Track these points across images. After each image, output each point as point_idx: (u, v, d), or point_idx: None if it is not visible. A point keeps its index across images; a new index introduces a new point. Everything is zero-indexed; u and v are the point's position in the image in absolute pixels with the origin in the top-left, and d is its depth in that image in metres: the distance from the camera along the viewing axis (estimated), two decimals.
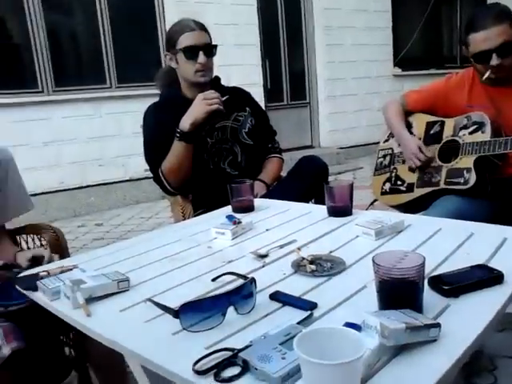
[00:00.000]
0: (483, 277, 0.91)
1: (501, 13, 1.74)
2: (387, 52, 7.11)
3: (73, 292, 0.93)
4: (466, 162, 1.81)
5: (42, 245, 1.69)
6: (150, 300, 0.90)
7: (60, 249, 1.61)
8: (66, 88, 4.84)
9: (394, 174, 2.07)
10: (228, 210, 1.60)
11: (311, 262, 1.06)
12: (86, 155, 4.88)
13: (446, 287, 0.88)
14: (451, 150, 1.89)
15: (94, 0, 4.93)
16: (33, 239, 1.74)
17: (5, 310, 1.30)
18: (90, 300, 0.95)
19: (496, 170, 1.82)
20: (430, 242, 1.17)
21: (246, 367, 0.69)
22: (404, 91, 2.21)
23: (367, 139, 6.58)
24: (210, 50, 1.95)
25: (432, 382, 0.64)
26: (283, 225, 1.42)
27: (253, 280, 0.90)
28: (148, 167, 2.01)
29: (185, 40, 1.91)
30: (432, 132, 1.96)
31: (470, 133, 1.83)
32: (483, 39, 1.72)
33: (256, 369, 0.67)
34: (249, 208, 1.60)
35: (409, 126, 2.04)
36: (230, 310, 0.85)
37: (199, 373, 0.69)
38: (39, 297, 1.02)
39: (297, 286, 0.97)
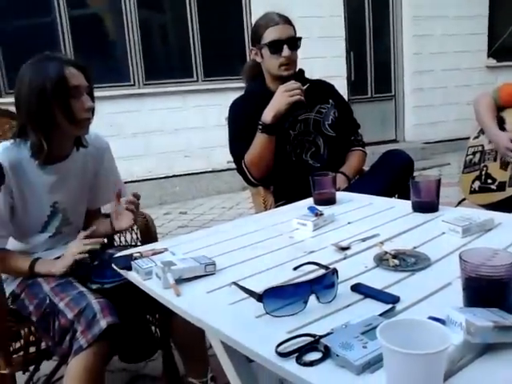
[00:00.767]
0: None
1: None
2: (481, 42, 6.72)
3: (164, 273, 1.00)
4: None
5: (132, 229, 1.81)
6: (235, 284, 0.94)
7: (150, 233, 1.72)
8: (156, 81, 5.07)
9: (484, 172, 1.98)
10: (310, 201, 1.61)
11: (394, 257, 1.06)
12: (172, 146, 5.10)
13: None
14: None
15: None
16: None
17: (101, 287, 1.42)
18: (179, 281, 1.01)
19: None
20: None
21: (327, 353, 0.71)
22: (498, 84, 2.10)
23: (455, 134, 6.28)
24: (294, 42, 1.96)
25: None
26: (366, 218, 1.42)
27: (335, 270, 0.91)
28: (231, 159, 2.07)
29: (269, 34, 1.94)
30: None
31: None
32: None
33: (337, 355, 0.69)
34: (330, 201, 1.60)
35: (501, 122, 1.94)
36: (312, 298, 0.87)
37: (282, 355, 0.71)
38: (133, 276, 1.10)
39: (379, 279, 0.97)
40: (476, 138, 2.06)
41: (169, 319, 1.57)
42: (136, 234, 1.75)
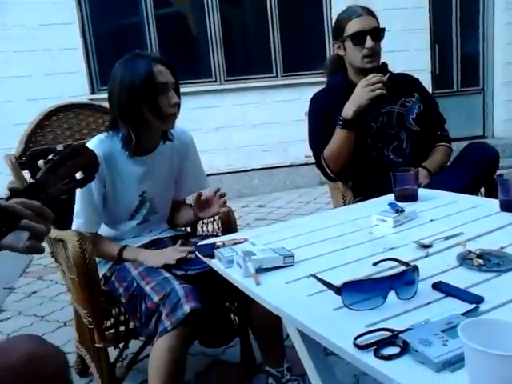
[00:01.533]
0: None
1: None
2: None
3: (244, 262, 1.04)
4: None
5: (214, 220, 1.88)
6: (313, 276, 0.96)
7: (230, 224, 1.78)
8: (236, 77, 5.17)
9: None
10: (390, 197, 1.59)
11: (479, 257, 1.02)
12: (251, 140, 5.19)
13: None
14: None
15: None
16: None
17: (185, 274, 1.49)
18: (259, 270, 1.04)
19: None
20: None
21: (405, 348, 0.71)
22: None
23: None
24: (377, 34, 1.92)
25: None
26: (449, 216, 1.38)
27: (415, 268, 0.90)
28: (309, 153, 2.08)
29: (352, 26, 1.92)
30: None
31: None
32: None
33: (416, 351, 0.69)
34: (412, 197, 1.56)
35: None
36: (391, 294, 0.86)
37: (359, 347, 0.73)
38: (216, 264, 1.16)
39: (462, 278, 0.95)
40: None
41: (247, 308, 1.62)
42: (217, 224, 1.82)
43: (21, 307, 2.81)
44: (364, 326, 0.79)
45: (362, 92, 1.82)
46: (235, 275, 1.07)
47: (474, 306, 0.82)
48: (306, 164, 5.09)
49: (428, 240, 1.17)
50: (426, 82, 5.33)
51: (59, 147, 1.03)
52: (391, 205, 1.40)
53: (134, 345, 1.79)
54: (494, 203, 1.40)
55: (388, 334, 0.75)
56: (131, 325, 1.58)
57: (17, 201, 0.89)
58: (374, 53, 1.93)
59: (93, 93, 4.79)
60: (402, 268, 0.96)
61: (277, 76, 5.30)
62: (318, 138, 2.01)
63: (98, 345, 1.56)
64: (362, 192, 1.96)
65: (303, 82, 5.02)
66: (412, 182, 1.57)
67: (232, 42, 5.34)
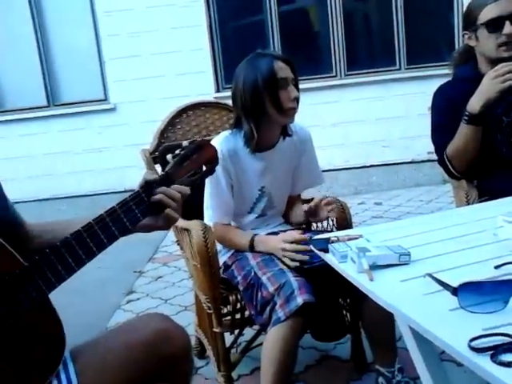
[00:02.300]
0: None
1: None
2: None
3: (358, 258, 1.04)
4: None
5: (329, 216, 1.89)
6: (429, 275, 0.93)
7: (345, 220, 1.78)
8: (357, 72, 5.09)
9: None
10: None
11: None
12: (371, 136, 5.07)
13: None
14: None
15: None
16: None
17: (299, 266, 1.53)
18: (373, 267, 1.04)
19: None
20: None
21: None
22: None
23: None
24: None
25: None
26: None
27: None
28: (432, 149, 1.99)
29: (487, 12, 1.76)
30: None
31: None
32: None
33: None
34: None
35: None
36: None
37: (475, 350, 0.70)
38: (329, 258, 1.17)
39: None
40: None
41: (360, 305, 1.62)
42: (332, 220, 1.83)
43: (148, 290, 3.08)
44: (482, 329, 0.76)
45: (491, 84, 1.68)
46: (349, 270, 1.08)
47: None
48: (429, 161, 4.84)
49: None
50: None
51: (185, 143, 1.12)
52: None
53: (248, 333, 1.87)
54: None
55: (508, 339, 0.71)
56: (246, 313, 1.66)
57: (162, 190, 1.01)
58: None
59: (218, 91, 5.02)
60: None
61: (400, 69, 5.11)
62: (441, 133, 1.92)
63: (215, 329, 1.66)
64: (489, 191, 1.83)
65: (429, 75, 4.78)
66: None
67: (354, 35, 5.25)
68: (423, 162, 4.99)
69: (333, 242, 1.20)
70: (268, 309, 1.47)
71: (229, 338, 1.74)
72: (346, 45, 5.07)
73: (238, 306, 1.66)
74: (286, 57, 1.67)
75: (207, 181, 1.66)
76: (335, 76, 5.11)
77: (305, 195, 2.02)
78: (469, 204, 1.83)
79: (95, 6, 4.95)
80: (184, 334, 1.07)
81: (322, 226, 1.93)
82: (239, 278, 1.62)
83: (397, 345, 1.66)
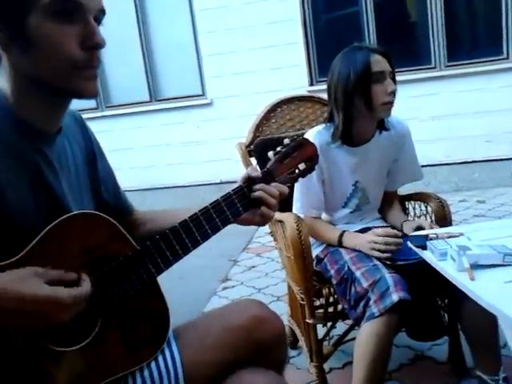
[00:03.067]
0: None
1: None
2: None
3: (459, 256, 1.01)
4: None
5: (427, 212, 1.83)
6: None
7: (444, 217, 1.71)
8: (458, 63, 4.82)
9: None
10: None
11: None
12: (473, 130, 4.79)
13: None
14: None
15: None
16: (419, 206, 1.91)
17: (394, 263, 1.51)
18: (474, 266, 1.01)
19: None
20: None
21: None
22: None
23: None
24: None
25: None
26: None
27: None
28: None
29: None
30: None
31: None
32: None
33: None
34: None
35: None
36: None
37: None
38: (427, 255, 1.15)
39: None
40: None
41: (459, 306, 1.55)
42: (431, 217, 1.77)
43: (242, 278, 3.17)
44: None
45: None
46: (448, 268, 1.05)
47: None
48: None
49: None
50: None
51: (286, 140, 1.14)
52: None
53: (341, 326, 1.87)
54: None
55: None
56: (339, 307, 1.66)
57: (262, 187, 1.05)
58: None
59: (311, 84, 5.01)
60: None
61: (507, 58, 4.77)
62: None
63: (308, 320, 1.68)
64: None
65: None
66: None
67: (455, 23, 4.97)
68: None
69: (431, 239, 1.17)
70: (362, 304, 1.47)
71: (321, 331, 1.75)
72: (447, 34, 4.81)
73: (331, 299, 1.66)
74: (383, 49, 1.64)
75: None
76: (434, 67, 4.87)
77: (401, 191, 1.97)
78: None
79: (193, 4, 5.14)
80: (280, 322, 1.10)
81: None
82: (332, 272, 1.62)
83: (502, 352, 1.57)
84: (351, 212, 1.81)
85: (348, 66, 1.60)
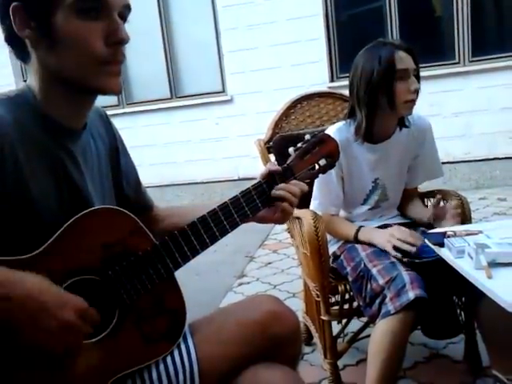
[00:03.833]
0: None
1: None
2: None
3: (477, 254, 1.00)
4: None
5: None
6: None
7: (464, 214, 1.69)
8: (483, 58, 4.73)
9: None
10: None
11: None
12: (495, 127, 4.70)
13: None
14: None
15: None
16: (438, 202, 1.88)
17: (411, 261, 1.49)
18: (492, 264, 1.00)
19: None
20: None
21: None
22: None
23: None
24: None
25: None
26: None
27: None
28: None
29: None
30: None
31: None
32: None
33: None
34: None
35: None
36: None
37: None
38: (445, 253, 1.14)
39: None
40: None
41: (475, 304, 1.53)
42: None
43: (258, 274, 3.18)
44: None
45: None
46: (465, 266, 1.04)
47: None
48: None
49: None
50: None
51: (307, 136, 1.14)
52: None
53: (355, 324, 1.87)
54: None
55: None
56: (355, 304, 1.66)
57: (283, 186, 1.06)
58: None
59: (332, 81, 4.98)
60: None
61: None
62: None
63: (323, 317, 1.68)
64: None
65: None
66: None
67: (481, 17, 4.88)
68: None
69: (449, 237, 1.16)
70: (377, 301, 1.46)
71: (336, 328, 1.75)
72: (472, 28, 4.72)
73: (347, 296, 1.66)
74: (408, 46, 1.61)
75: None
76: (458, 63, 4.80)
77: (421, 188, 1.95)
78: None
79: (215, 1, 5.15)
80: (295, 318, 1.10)
81: None
82: (348, 269, 1.62)
83: None
84: (370, 209, 1.80)
85: (372, 62, 1.59)
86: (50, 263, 0.86)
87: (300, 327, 1.15)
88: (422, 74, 1.64)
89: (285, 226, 2.02)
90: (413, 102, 1.60)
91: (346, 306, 1.69)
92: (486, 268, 0.97)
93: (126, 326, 0.94)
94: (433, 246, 1.19)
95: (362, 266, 1.56)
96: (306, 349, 2.12)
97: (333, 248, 1.76)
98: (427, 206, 1.94)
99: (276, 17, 4.99)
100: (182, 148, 5.46)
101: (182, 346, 1.03)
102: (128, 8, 0.91)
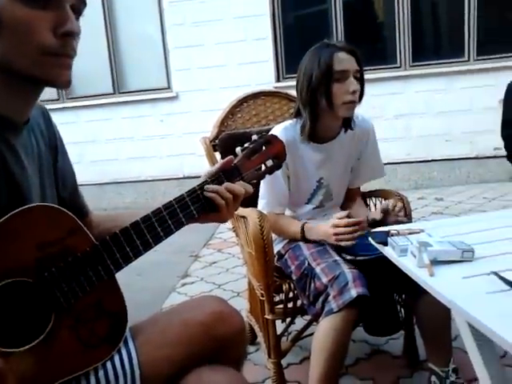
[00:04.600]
0: None
1: None
2: None
3: (419, 252, 1.02)
4: None
5: None
6: (495, 274, 0.90)
7: (405, 214, 1.73)
8: (423, 62, 4.92)
9: None
10: None
11: None
12: (434, 129, 4.90)
13: None
14: None
15: None
16: (380, 202, 1.92)
17: (354, 259, 1.51)
18: (434, 262, 1.02)
19: None
20: None
21: None
22: None
23: None
24: None
25: None
26: None
27: None
28: (498, 145, 1.91)
29: None
30: None
31: None
32: None
33: None
34: None
35: None
36: None
37: None
38: (388, 251, 1.16)
39: None
40: None
41: (415, 301, 1.58)
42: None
43: (203, 274, 3.14)
44: None
45: None
46: (408, 265, 1.06)
47: None
48: (495, 157, 4.64)
49: None
50: None
51: (254, 137, 1.13)
52: None
53: (299, 322, 1.87)
54: None
55: None
56: (299, 302, 1.66)
57: (215, 189, 1.02)
58: None
59: (278, 81, 5.00)
60: None
61: (468, 60, 4.88)
62: (510, 128, 1.83)
63: (267, 316, 1.68)
64: None
65: (500, 66, 4.55)
66: None
67: (421, 25, 5.07)
68: (488, 158, 4.78)
69: (393, 236, 1.18)
70: (321, 299, 1.47)
71: (280, 327, 1.75)
72: (412, 35, 4.89)
73: (291, 294, 1.66)
74: (350, 47, 1.62)
75: None
76: (399, 67, 4.96)
77: (363, 188, 1.99)
78: None
79: None
80: (239, 318, 1.09)
81: None
82: (292, 268, 1.62)
83: (453, 345, 1.62)
84: (314, 208, 1.81)
85: (312, 63, 1.60)
86: None
87: (245, 328, 1.13)
88: (366, 76, 1.66)
89: (230, 225, 2.00)
90: (352, 103, 1.61)
91: (290, 305, 1.69)
92: (429, 266, 0.99)
93: (63, 330, 0.89)
94: (376, 245, 1.21)
95: (306, 264, 1.56)
96: (250, 348, 2.11)
97: (277, 247, 1.75)
98: (368, 206, 1.98)
99: (223, 15, 4.96)
100: (125, 145, 5.32)
101: (123, 350, 0.98)
102: (83, 2, 0.87)
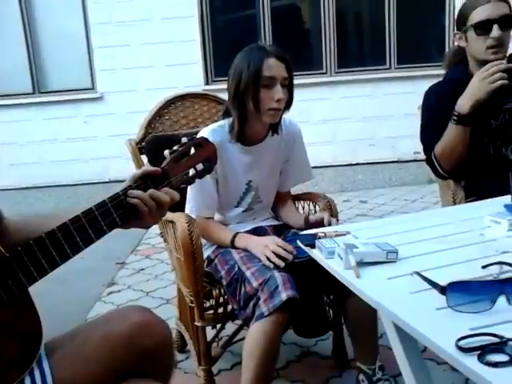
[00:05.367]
0: None
1: None
2: None
3: (346, 254, 1.03)
4: None
5: (315, 211, 1.88)
6: (417, 273, 0.93)
7: (332, 216, 1.76)
8: (348, 69, 5.08)
9: None
10: (506, 200, 1.48)
11: None
12: (358, 134, 5.07)
13: None
14: None
15: None
16: (308, 205, 1.95)
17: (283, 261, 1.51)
18: (360, 264, 1.03)
19: None
20: None
21: None
22: None
23: None
24: (507, 22, 1.74)
25: None
26: None
27: None
28: (418, 149, 1.99)
29: (477, 14, 1.75)
30: None
31: None
32: None
33: None
34: None
35: None
36: (501, 299, 0.81)
37: (462, 350, 0.69)
38: (316, 254, 1.16)
39: None
40: None
41: (343, 302, 1.61)
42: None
43: (130, 282, 3.04)
44: (468, 329, 0.75)
45: (480, 84, 1.66)
46: (335, 266, 1.07)
47: None
48: (415, 160, 4.89)
49: None
50: None
51: (184, 139, 1.08)
52: (507, 207, 1.30)
53: (230, 327, 1.86)
54: None
55: (495, 339, 0.70)
56: (229, 307, 1.64)
57: (138, 194, 0.97)
58: (500, 43, 1.74)
59: (207, 83, 4.97)
60: None
61: (390, 68, 5.12)
62: (429, 133, 1.91)
63: (197, 323, 1.64)
64: (476, 192, 1.83)
65: (418, 75, 4.79)
66: None
67: (345, 33, 5.25)
68: (409, 161, 5.02)
69: (320, 238, 1.19)
70: (251, 304, 1.46)
71: (210, 333, 1.72)
72: (337, 42, 5.06)
73: (221, 300, 1.64)
74: (282, 54, 1.60)
75: None
76: (325, 73, 5.10)
77: (291, 191, 2.00)
78: (455, 204, 1.83)
79: None
80: (165, 327, 1.05)
81: None
82: (222, 273, 1.59)
83: (379, 343, 1.66)
84: (244, 211, 1.80)
85: (242, 66, 1.58)
86: None
87: (172, 337, 1.09)
88: (294, 82, 1.67)
89: (158, 230, 1.94)
90: (276, 110, 1.60)
91: (221, 310, 1.67)
92: (355, 268, 1.00)
93: None
94: (305, 248, 1.21)
95: (236, 269, 1.54)
96: (180, 356, 2.07)
97: (207, 252, 1.72)
98: (298, 209, 2.00)
99: (150, 15, 4.86)
100: (46, 147, 5.05)
101: (36, 372, 0.90)
102: None
